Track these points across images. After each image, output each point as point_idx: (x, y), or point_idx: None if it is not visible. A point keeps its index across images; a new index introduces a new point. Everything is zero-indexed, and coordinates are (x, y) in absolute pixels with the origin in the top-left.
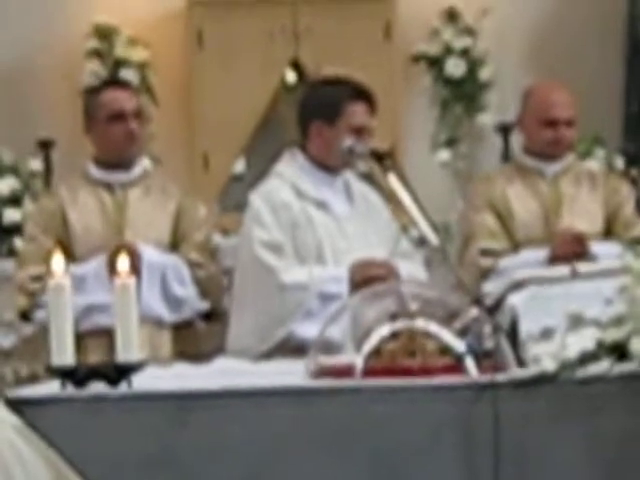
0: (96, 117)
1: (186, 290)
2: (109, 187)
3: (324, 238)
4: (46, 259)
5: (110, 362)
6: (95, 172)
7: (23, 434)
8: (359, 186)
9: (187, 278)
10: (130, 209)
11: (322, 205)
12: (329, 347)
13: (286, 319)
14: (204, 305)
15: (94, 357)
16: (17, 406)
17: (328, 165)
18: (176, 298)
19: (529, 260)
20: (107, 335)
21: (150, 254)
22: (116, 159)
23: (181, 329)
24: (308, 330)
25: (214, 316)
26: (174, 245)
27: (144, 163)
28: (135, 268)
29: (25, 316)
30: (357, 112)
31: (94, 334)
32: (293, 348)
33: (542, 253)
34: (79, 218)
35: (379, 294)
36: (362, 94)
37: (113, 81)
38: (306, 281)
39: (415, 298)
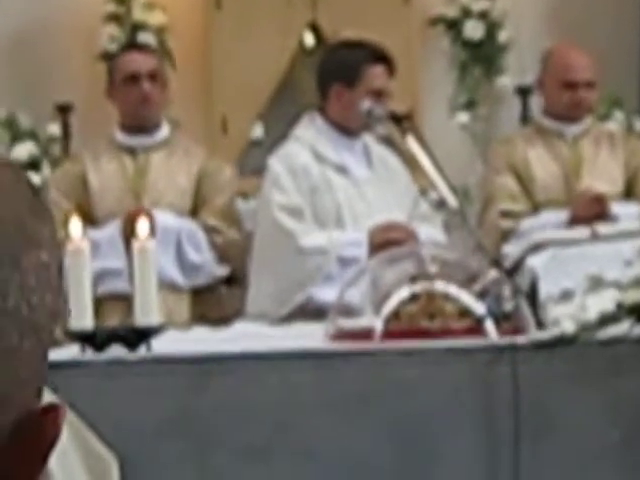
0: (114, 81)
1: (201, 256)
2: (132, 151)
3: (343, 202)
4: (64, 222)
5: (129, 326)
6: (120, 137)
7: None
8: (378, 149)
9: (203, 243)
10: (151, 173)
11: (341, 169)
12: (348, 310)
13: (305, 283)
14: (222, 270)
15: (110, 322)
16: None
17: (347, 128)
18: (191, 263)
19: (549, 222)
20: (123, 300)
21: (164, 219)
22: (135, 122)
23: (203, 293)
24: (327, 294)
25: (235, 281)
26: (195, 209)
27: (170, 127)
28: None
29: None
30: (376, 75)
31: (110, 299)
32: (312, 312)
33: (562, 215)
34: (99, 182)
35: (398, 257)
36: (381, 57)
37: (131, 44)
38: (325, 245)
39: (434, 260)
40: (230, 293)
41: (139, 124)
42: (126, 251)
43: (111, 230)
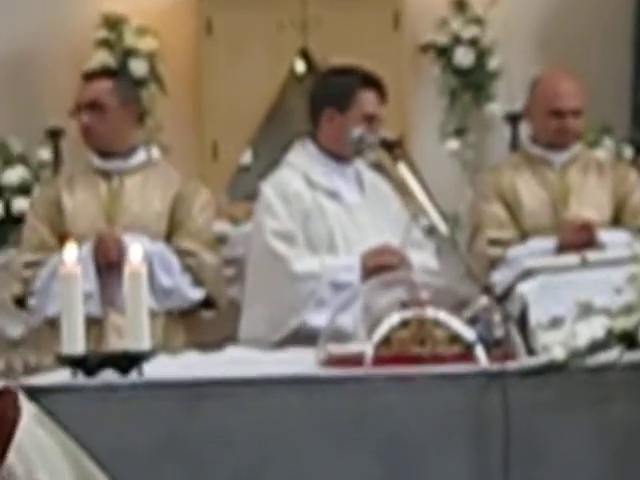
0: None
1: (173, 279)
2: (107, 175)
3: (336, 228)
4: (39, 246)
5: (121, 350)
6: (96, 161)
7: (40, 421)
8: (370, 175)
9: (175, 267)
10: (125, 197)
11: (334, 194)
12: (340, 336)
13: (298, 308)
14: (197, 294)
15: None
16: (28, 395)
17: (339, 154)
18: (162, 288)
19: (537, 249)
20: (93, 323)
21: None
22: (97, 150)
23: (184, 318)
24: (320, 319)
25: (211, 305)
26: (170, 233)
27: (150, 151)
28: (119, 257)
29: (21, 303)
30: (368, 100)
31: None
32: (305, 337)
33: (550, 242)
34: (73, 205)
35: (391, 282)
36: (373, 82)
37: (86, 73)
38: (318, 270)
39: (425, 287)
40: (211, 318)
41: (107, 150)
42: (97, 274)
43: (82, 253)
